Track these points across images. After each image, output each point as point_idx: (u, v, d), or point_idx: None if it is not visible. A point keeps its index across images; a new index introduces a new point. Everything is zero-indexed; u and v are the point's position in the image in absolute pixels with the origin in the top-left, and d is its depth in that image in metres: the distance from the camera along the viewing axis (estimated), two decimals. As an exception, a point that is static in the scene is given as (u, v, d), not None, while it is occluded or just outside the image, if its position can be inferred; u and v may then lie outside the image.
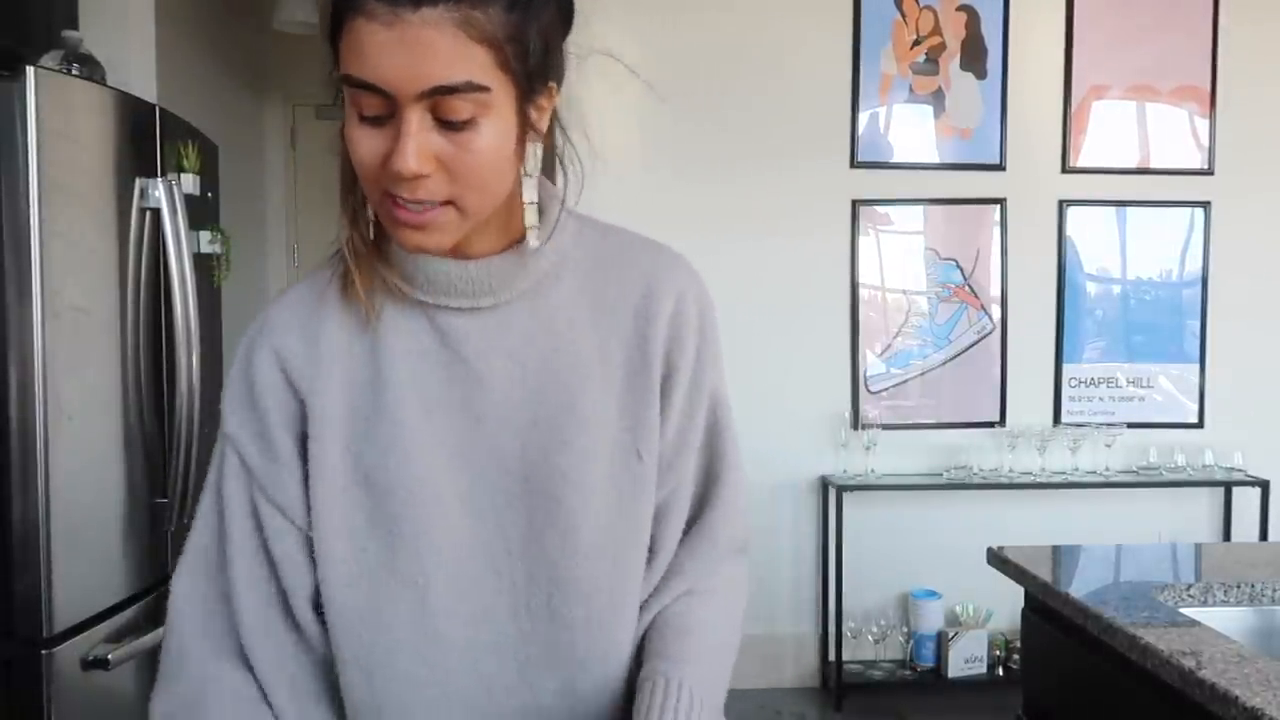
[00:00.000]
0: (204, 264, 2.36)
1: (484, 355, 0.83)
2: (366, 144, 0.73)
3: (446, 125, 0.72)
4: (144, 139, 2.11)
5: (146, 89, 2.84)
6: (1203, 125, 3.50)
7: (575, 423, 0.83)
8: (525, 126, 0.77)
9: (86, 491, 1.92)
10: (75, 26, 2.72)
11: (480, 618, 0.83)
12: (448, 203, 0.75)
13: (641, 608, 0.87)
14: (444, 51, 0.69)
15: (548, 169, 0.86)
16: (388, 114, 0.72)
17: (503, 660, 0.83)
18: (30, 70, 1.79)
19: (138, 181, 2.07)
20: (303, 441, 0.84)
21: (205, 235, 2.36)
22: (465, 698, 0.83)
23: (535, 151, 0.80)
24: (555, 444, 0.82)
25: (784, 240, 3.42)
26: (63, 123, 1.85)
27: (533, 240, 0.82)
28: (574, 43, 0.84)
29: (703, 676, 0.82)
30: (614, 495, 0.83)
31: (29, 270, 1.79)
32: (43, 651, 1.80)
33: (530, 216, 0.81)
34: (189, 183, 2.21)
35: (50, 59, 2.22)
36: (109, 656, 1.89)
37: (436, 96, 0.71)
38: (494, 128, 0.74)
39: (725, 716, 0.90)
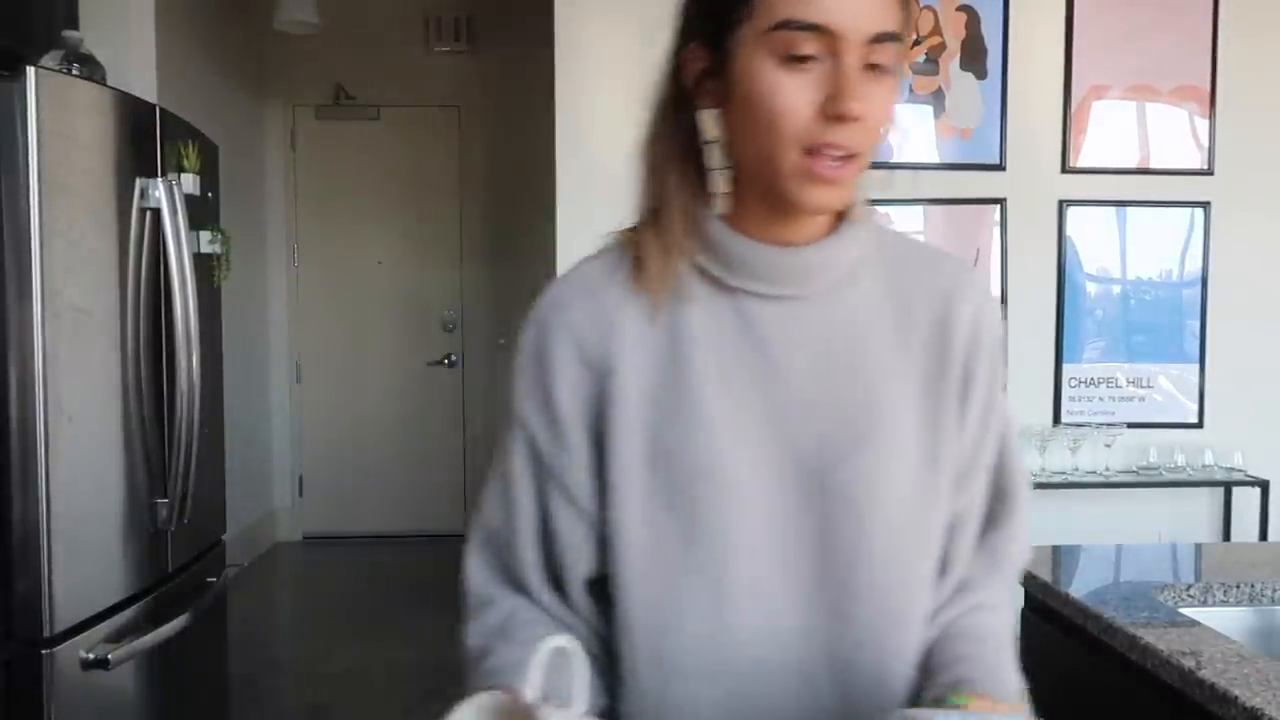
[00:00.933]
0: (204, 264, 2.36)
1: (785, 347, 0.81)
2: (793, 89, 0.72)
3: (872, 74, 0.73)
4: (144, 139, 2.11)
5: (146, 89, 2.85)
6: (1202, 125, 3.50)
7: (874, 424, 0.81)
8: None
9: (86, 491, 1.92)
10: (75, 26, 2.72)
11: (770, 612, 0.81)
12: (854, 157, 0.75)
13: (930, 618, 0.86)
14: (887, 3, 0.73)
15: None
16: (818, 56, 0.72)
17: (785, 656, 0.82)
18: (30, 70, 1.79)
19: (138, 181, 2.07)
20: (596, 424, 0.82)
21: (205, 235, 2.36)
22: (748, 691, 0.82)
23: None
24: (853, 444, 0.80)
25: (784, 240, 3.41)
26: (63, 123, 1.85)
27: (858, 217, 0.82)
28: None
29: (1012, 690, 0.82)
30: (908, 501, 0.81)
31: (29, 270, 1.79)
32: (43, 651, 1.80)
33: (862, 193, 0.81)
34: (189, 183, 2.21)
35: (50, 59, 2.22)
36: (109, 656, 1.89)
37: (878, 43, 0.72)
38: (896, 86, 0.76)
39: None
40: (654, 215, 0.82)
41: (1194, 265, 3.53)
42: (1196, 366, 3.53)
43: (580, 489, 0.82)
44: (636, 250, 0.82)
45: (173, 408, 2.16)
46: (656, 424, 0.80)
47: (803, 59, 0.72)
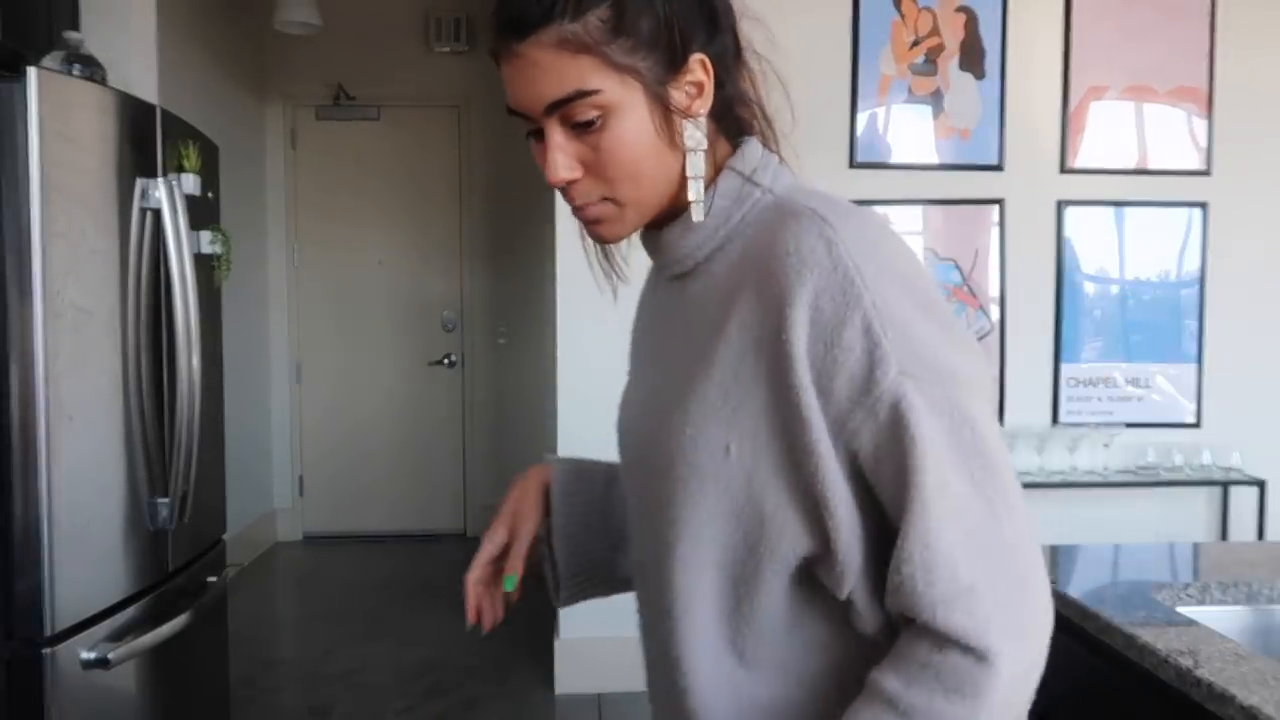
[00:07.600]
0: (204, 264, 2.36)
1: (661, 325, 0.89)
2: (540, 159, 0.81)
3: (577, 131, 0.78)
4: (145, 139, 2.11)
5: (147, 89, 2.85)
6: (1200, 126, 3.51)
7: (678, 405, 0.79)
8: (667, 109, 0.78)
9: (86, 491, 1.92)
10: (76, 27, 2.72)
11: (640, 601, 0.90)
12: (606, 199, 0.81)
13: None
14: (549, 70, 0.76)
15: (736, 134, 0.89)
16: (542, 130, 0.80)
17: (644, 637, 0.90)
18: (31, 70, 1.80)
19: (138, 182, 2.07)
20: None
21: (206, 235, 2.36)
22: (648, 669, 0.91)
23: (695, 127, 0.80)
24: (663, 424, 0.80)
25: (783, 240, 3.41)
26: (63, 123, 1.86)
27: (695, 215, 0.81)
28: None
29: None
30: (702, 489, 0.77)
31: (30, 270, 1.79)
32: (43, 651, 1.80)
33: (691, 191, 0.80)
34: (189, 183, 2.22)
35: (51, 59, 2.22)
36: (109, 656, 1.89)
37: (556, 111, 0.77)
38: (624, 123, 0.77)
39: None
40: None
41: (1192, 265, 3.53)
42: (1194, 366, 3.53)
43: None
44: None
45: (173, 407, 2.16)
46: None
47: (531, 135, 0.81)
